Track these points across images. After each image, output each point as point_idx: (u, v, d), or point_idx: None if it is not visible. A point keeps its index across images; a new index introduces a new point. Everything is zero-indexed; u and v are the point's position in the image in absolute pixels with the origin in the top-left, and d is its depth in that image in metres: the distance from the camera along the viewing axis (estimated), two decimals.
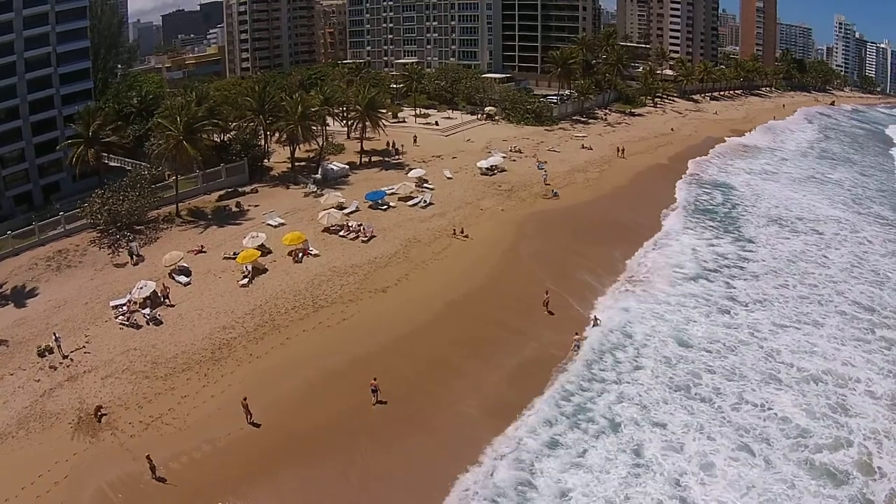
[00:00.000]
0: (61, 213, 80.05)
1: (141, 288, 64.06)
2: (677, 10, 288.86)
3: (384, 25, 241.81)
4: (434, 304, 65.05)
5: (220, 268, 72.01)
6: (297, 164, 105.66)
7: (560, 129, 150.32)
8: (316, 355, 56.45)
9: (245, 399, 48.89)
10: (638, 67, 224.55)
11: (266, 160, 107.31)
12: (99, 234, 78.57)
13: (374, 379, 51.53)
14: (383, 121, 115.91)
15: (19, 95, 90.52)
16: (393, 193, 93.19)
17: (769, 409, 51.95)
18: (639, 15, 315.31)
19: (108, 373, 54.27)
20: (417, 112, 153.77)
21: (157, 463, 43.77)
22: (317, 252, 75.19)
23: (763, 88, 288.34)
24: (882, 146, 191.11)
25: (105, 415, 49.18)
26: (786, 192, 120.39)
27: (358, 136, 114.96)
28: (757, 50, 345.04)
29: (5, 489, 42.84)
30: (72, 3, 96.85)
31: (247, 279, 68.73)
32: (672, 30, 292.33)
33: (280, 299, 65.45)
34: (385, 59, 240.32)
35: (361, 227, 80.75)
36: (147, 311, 62.40)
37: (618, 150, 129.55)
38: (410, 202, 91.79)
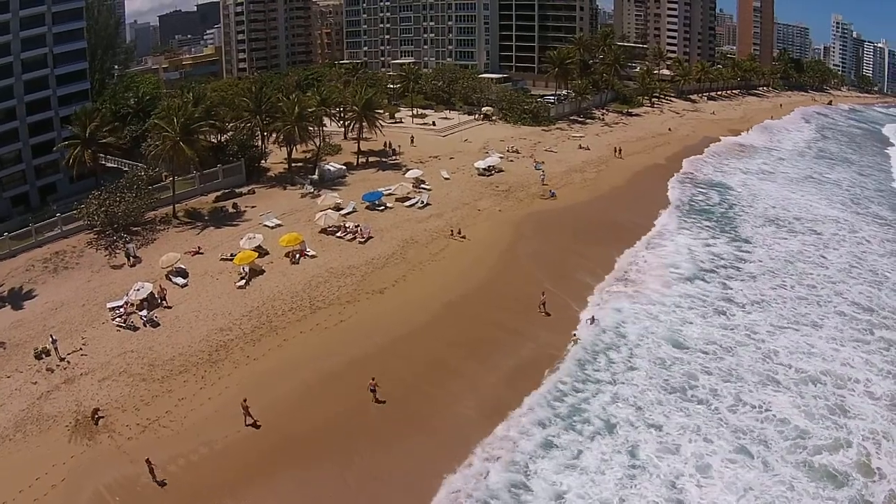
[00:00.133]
0: (58, 214, 79.93)
1: (138, 290, 63.94)
2: (674, 9, 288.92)
3: (381, 26, 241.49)
4: (431, 306, 65.01)
5: (217, 269, 71.92)
6: (294, 164, 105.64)
7: (557, 129, 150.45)
8: (313, 357, 56.38)
9: (245, 400, 48.88)
10: (635, 67, 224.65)
11: (263, 161, 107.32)
12: (96, 236, 78.48)
13: (373, 379, 51.62)
14: (380, 121, 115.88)
15: (16, 96, 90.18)
16: (390, 194, 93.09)
17: (767, 410, 51.88)
18: (636, 15, 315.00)
19: (105, 375, 54.19)
20: (414, 112, 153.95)
21: (155, 465, 43.71)
22: (314, 253, 75.13)
23: (760, 88, 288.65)
24: (879, 146, 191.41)
25: (102, 417, 49.08)
26: (783, 192, 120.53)
27: (355, 136, 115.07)
28: (754, 50, 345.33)
29: (3, 492, 42.76)
30: (68, 4, 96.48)
31: (244, 281, 68.66)
32: (669, 30, 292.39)
33: (277, 301, 65.39)
34: (382, 59, 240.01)
35: (359, 228, 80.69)
36: (144, 312, 62.26)
37: (615, 151, 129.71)
38: (407, 203, 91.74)
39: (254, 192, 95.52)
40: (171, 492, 42.94)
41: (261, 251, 73.73)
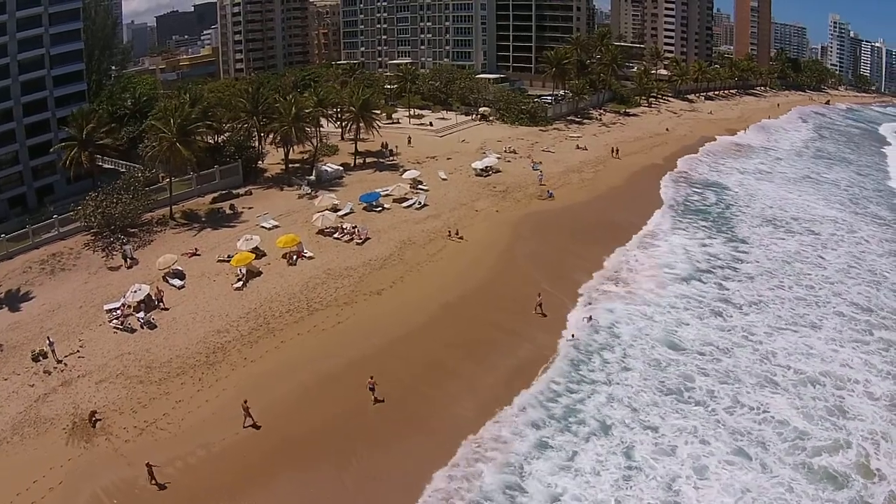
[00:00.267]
0: (55, 215, 79.81)
1: (135, 291, 63.84)
2: (671, 9, 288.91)
3: (378, 26, 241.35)
4: (429, 307, 64.99)
5: (215, 271, 71.85)
6: (291, 165, 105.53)
7: (555, 129, 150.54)
8: (311, 358, 56.34)
9: (245, 401, 48.94)
10: (632, 67, 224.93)
11: (260, 162, 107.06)
12: (93, 237, 78.35)
13: (371, 377, 51.75)
14: (377, 122, 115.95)
15: (13, 97, 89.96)
16: (387, 195, 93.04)
17: (765, 412, 51.77)
18: (633, 14, 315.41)
19: (102, 377, 54.12)
20: (411, 113, 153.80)
21: (156, 468, 43.60)
22: (311, 254, 75.06)
23: (758, 88, 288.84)
24: (877, 145, 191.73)
25: (99, 420, 49.04)
26: (780, 191, 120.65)
27: (352, 137, 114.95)
28: (751, 49, 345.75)
29: (1, 495, 42.67)
30: (65, 4, 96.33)
31: (241, 282, 68.58)
32: (666, 29, 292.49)
33: (274, 302, 65.34)
34: (379, 59, 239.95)
35: (356, 229, 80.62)
36: (141, 314, 62.17)
37: (612, 151, 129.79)
38: (405, 204, 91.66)
39: (251, 194, 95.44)
40: (169, 495, 42.86)
41: (258, 252, 73.62)
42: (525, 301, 66.23)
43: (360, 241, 78.83)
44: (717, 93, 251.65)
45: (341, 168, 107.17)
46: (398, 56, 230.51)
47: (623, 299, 69.86)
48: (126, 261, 74.50)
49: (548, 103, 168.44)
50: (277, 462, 45.13)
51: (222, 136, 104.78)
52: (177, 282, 69.19)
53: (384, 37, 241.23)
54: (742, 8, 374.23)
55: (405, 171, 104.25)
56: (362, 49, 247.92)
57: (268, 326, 61.36)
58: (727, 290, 73.88)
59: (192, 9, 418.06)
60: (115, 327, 61.10)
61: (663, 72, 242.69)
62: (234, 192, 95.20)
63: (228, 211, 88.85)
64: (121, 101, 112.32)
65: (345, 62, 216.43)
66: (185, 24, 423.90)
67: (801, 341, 62.85)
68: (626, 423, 50.39)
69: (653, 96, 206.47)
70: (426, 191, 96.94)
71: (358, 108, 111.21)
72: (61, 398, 51.89)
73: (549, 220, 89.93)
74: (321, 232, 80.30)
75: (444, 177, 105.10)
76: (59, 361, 56.08)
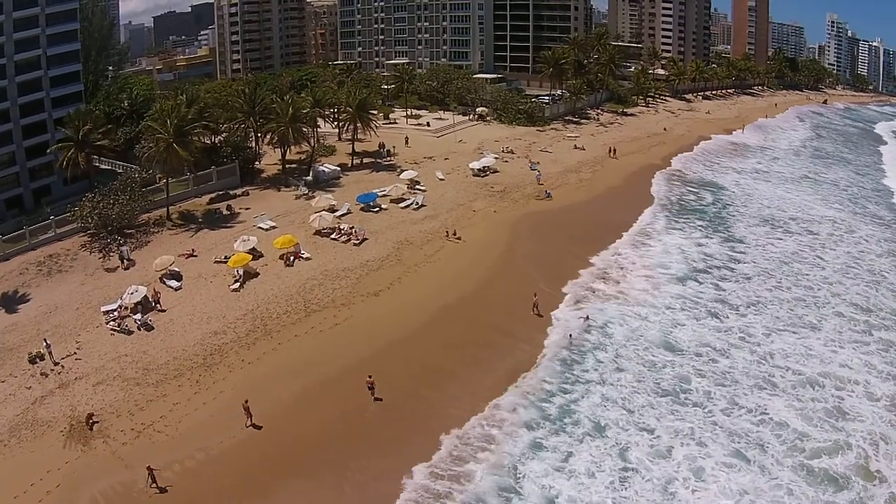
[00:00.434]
0: (52, 217, 79.64)
1: (132, 293, 63.75)
2: (669, 9, 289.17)
3: (375, 26, 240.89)
4: (427, 308, 64.91)
5: (212, 272, 71.70)
6: (288, 166, 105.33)
7: (552, 129, 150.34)
8: (308, 360, 56.28)
9: (246, 401, 48.94)
10: (630, 67, 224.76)
11: (257, 162, 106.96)
12: (89, 239, 78.23)
13: (370, 376, 51.86)
14: (375, 122, 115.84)
15: (9, 98, 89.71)
16: (385, 195, 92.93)
17: (763, 413, 51.54)
18: (630, 14, 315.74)
19: (99, 380, 54.03)
20: (409, 113, 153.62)
21: (157, 472, 43.51)
22: (308, 255, 74.95)
23: (755, 87, 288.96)
24: (873, 144, 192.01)
25: (97, 422, 48.97)
26: (778, 191, 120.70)
27: (349, 137, 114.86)
28: (749, 49, 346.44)
29: None
30: (62, 5, 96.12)
31: (238, 283, 68.48)
32: (664, 29, 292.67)
33: (272, 304, 65.23)
34: (376, 59, 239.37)
35: (353, 230, 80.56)
36: (138, 316, 62.05)
37: (610, 151, 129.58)
38: (402, 204, 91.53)
39: (248, 194, 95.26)
40: (168, 498, 42.79)
41: (255, 253, 73.52)
42: (524, 302, 66.21)
43: (358, 241, 78.72)
44: (714, 92, 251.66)
45: (338, 168, 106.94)
46: (395, 56, 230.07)
47: (619, 300, 69.78)
48: (123, 262, 74.35)
49: (545, 103, 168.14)
50: (276, 466, 45.04)
51: (219, 137, 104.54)
52: (174, 283, 69.05)
53: (381, 37, 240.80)
54: (740, 7, 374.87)
55: (402, 171, 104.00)
56: (359, 49, 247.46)
57: (265, 328, 61.28)
58: (724, 290, 73.74)
59: (190, 9, 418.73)
60: (111, 329, 61.00)
61: (661, 71, 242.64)
62: (231, 192, 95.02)
63: (225, 212, 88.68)
64: (117, 102, 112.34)
65: (342, 62, 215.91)
66: (183, 25, 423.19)
67: (799, 342, 62.67)
68: (620, 424, 50.28)
69: (650, 96, 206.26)
70: (423, 191, 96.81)
71: (355, 108, 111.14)
72: (58, 400, 51.80)
73: (547, 221, 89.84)
74: (318, 233, 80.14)
75: (442, 177, 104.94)
76: (56, 363, 55.98)
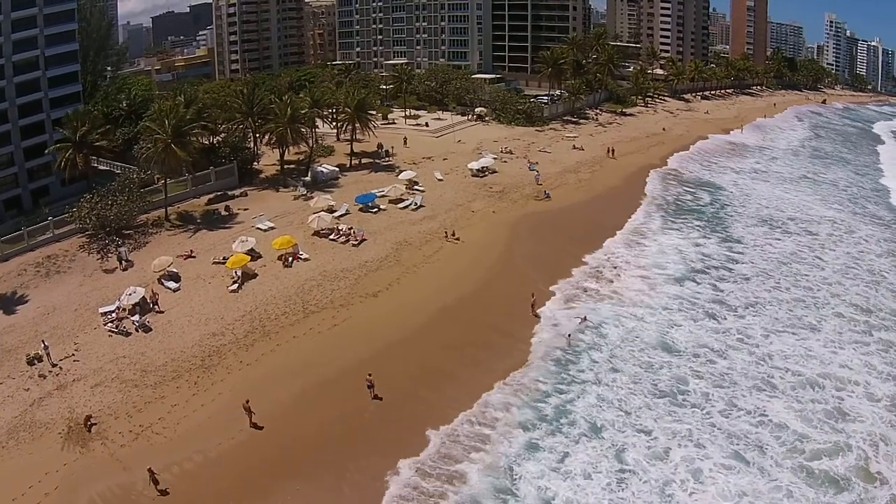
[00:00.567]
0: (50, 217, 79.57)
1: (130, 294, 63.66)
2: (667, 9, 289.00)
3: (374, 26, 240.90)
4: (426, 309, 64.79)
5: (210, 273, 71.58)
6: (286, 166, 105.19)
7: (551, 129, 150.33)
8: (307, 362, 56.18)
9: (248, 402, 48.89)
10: (629, 67, 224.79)
11: (255, 163, 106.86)
12: (88, 240, 78.14)
13: (370, 374, 51.90)
14: (373, 122, 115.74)
15: (8, 99, 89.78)
16: (383, 196, 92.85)
17: (762, 415, 51.24)
18: (629, 14, 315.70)
19: (97, 381, 53.92)
20: (407, 113, 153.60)
21: (157, 474, 43.44)
22: (307, 256, 74.86)
23: (754, 87, 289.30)
24: (872, 143, 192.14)
25: (95, 424, 48.84)
26: (776, 191, 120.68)
27: (348, 138, 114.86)
28: (748, 49, 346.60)
29: None
30: (60, 5, 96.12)
31: (236, 284, 68.39)
32: (662, 29, 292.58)
33: (270, 305, 65.12)
34: (374, 59, 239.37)
35: (352, 231, 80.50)
36: (136, 317, 61.92)
37: (608, 151, 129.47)
38: (401, 205, 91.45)
39: (246, 195, 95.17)
40: (167, 501, 42.68)
41: (253, 254, 73.40)
42: (523, 303, 66.18)
43: (357, 242, 78.64)
44: (713, 92, 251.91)
45: (337, 169, 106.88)
46: (394, 56, 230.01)
47: (616, 300, 69.68)
48: (121, 263, 74.26)
49: (544, 103, 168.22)
50: (275, 467, 44.96)
51: (218, 138, 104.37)
52: (172, 284, 68.95)
53: (380, 37, 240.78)
54: (738, 7, 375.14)
55: (401, 171, 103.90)
56: (358, 49, 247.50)
57: (263, 329, 61.17)
58: (722, 291, 73.51)
59: (188, 9, 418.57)
60: (110, 330, 60.89)
61: (659, 71, 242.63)
62: (229, 193, 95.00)
63: (224, 212, 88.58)
64: (116, 103, 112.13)
65: (340, 62, 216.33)
66: (181, 25, 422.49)
67: (798, 343, 62.38)
68: (617, 425, 50.14)
69: (649, 96, 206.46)
70: (422, 192, 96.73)
71: (354, 108, 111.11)
72: (56, 402, 51.70)
73: (546, 221, 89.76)
74: (317, 233, 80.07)
75: (441, 177, 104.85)
76: (55, 365, 55.88)
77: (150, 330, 61.04)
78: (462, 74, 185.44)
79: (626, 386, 54.97)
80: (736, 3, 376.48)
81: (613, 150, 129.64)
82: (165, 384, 53.55)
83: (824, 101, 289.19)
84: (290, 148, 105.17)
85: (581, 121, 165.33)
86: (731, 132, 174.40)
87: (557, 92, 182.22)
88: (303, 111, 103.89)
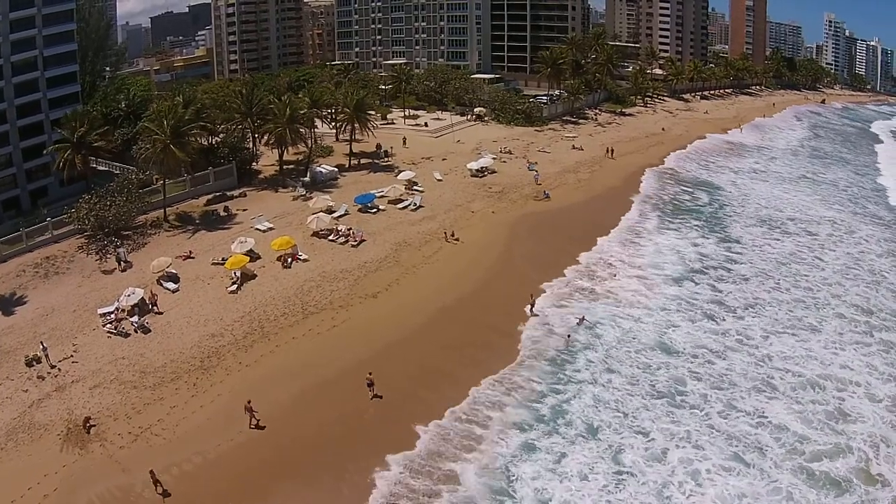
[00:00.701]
0: (49, 218, 79.42)
1: (129, 295, 63.53)
2: (666, 9, 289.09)
3: (372, 26, 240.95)
4: (426, 309, 64.70)
5: (209, 274, 71.48)
6: (285, 167, 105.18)
7: (550, 129, 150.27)
8: (306, 363, 56.07)
9: (249, 402, 48.81)
10: (628, 67, 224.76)
11: (254, 163, 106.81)
12: (86, 240, 78.03)
13: (370, 373, 51.92)
14: (372, 122, 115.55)
15: (6, 99, 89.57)
16: (382, 196, 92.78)
17: (762, 416, 51.07)
18: (628, 14, 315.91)
19: (96, 383, 53.79)
20: (406, 113, 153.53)
21: (159, 476, 43.33)
22: (306, 257, 74.78)
23: (753, 87, 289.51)
24: (870, 143, 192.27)
25: (94, 426, 48.71)
26: (775, 191, 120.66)
27: (347, 138, 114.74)
28: (747, 48, 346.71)
29: None
30: (59, 6, 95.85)
31: (235, 285, 68.29)
32: (661, 29, 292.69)
33: (269, 306, 65.02)
34: (373, 59, 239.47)
35: (351, 231, 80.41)
36: (135, 318, 61.81)
37: (607, 151, 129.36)
38: (400, 205, 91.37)
39: (245, 195, 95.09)
40: (167, 503, 42.56)
41: (252, 255, 73.27)
42: (522, 303, 66.19)
43: (356, 243, 78.56)
44: (712, 92, 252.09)
45: (336, 169, 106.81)
46: (393, 56, 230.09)
47: (612, 300, 69.60)
48: (120, 264, 74.12)
49: (543, 103, 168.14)
50: (274, 468, 44.87)
51: (216, 138, 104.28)
52: (171, 285, 68.85)
53: (379, 37, 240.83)
54: (737, 7, 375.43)
55: (400, 172, 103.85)
56: (357, 49, 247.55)
57: (262, 330, 61.06)
58: (720, 291, 73.40)
59: (187, 10, 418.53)
60: (108, 332, 60.74)
61: (658, 71, 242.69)
62: (228, 193, 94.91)
63: (223, 213, 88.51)
64: (115, 103, 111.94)
65: (339, 62, 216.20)
66: (180, 25, 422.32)
67: (798, 344, 62.23)
68: (614, 426, 50.00)
69: (648, 96, 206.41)
70: (421, 192, 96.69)
71: (352, 108, 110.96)
72: (55, 404, 51.57)
73: (546, 221, 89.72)
74: (316, 234, 79.99)
75: (440, 178, 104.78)
76: (53, 366, 55.74)
77: (149, 331, 60.91)
78: (461, 74, 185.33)
79: (623, 387, 54.83)
80: (735, 2, 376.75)
81: (613, 150, 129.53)
82: (164, 385, 53.42)
83: (823, 101, 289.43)
84: (289, 148, 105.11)
85: (580, 121, 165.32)
86: (730, 132, 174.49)
87: (556, 92, 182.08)
88: (302, 111, 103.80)
